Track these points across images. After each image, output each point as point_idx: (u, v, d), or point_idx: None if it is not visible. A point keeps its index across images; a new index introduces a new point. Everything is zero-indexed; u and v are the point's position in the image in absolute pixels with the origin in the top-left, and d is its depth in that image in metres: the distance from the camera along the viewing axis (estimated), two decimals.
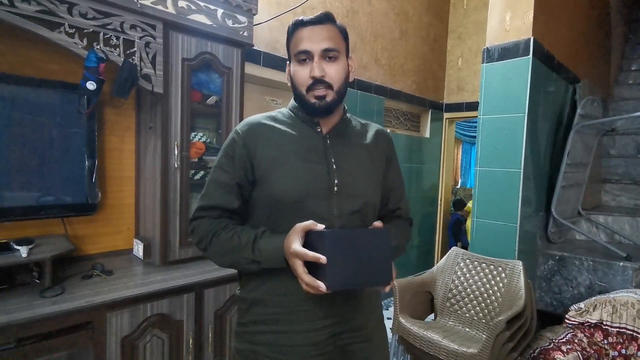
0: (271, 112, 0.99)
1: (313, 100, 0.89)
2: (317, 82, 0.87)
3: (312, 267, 0.78)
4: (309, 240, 0.81)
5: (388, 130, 3.44)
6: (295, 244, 0.78)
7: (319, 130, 0.94)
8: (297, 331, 0.88)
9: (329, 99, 0.88)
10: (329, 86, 0.88)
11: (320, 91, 0.88)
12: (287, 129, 0.93)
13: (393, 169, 1.05)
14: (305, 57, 0.88)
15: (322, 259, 0.74)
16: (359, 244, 0.79)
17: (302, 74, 0.88)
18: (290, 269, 0.81)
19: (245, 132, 0.92)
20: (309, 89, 0.88)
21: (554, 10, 2.21)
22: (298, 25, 0.90)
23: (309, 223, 0.80)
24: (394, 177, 1.05)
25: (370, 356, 0.95)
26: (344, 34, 0.93)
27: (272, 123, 0.94)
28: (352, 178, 0.92)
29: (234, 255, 0.87)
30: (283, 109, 0.99)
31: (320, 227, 0.80)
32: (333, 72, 0.88)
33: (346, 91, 0.94)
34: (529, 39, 1.96)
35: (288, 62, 0.95)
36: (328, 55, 0.88)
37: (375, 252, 0.80)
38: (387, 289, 0.83)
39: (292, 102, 0.98)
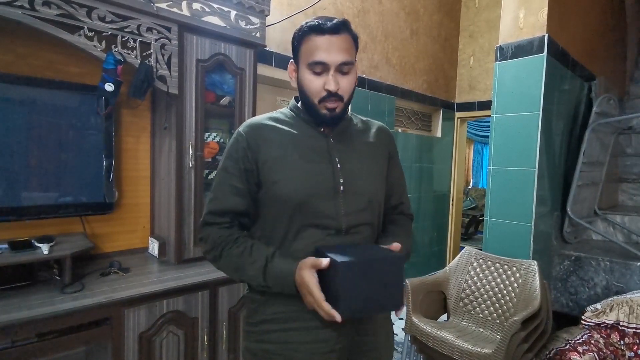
0: (272, 112, 0.98)
1: (324, 112, 0.89)
2: (331, 95, 0.87)
3: (324, 292, 0.78)
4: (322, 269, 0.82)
5: (399, 130, 3.46)
6: (311, 283, 0.79)
7: (321, 130, 0.94)
8: (307, 328, 0.88)
9: (338, 110, 0.89)
10: (340, 98, 0.88)
11: (332, 104, 0.88)
12: (290, 129, 0.93)
13: (395, 165, 1.05)
14: (321, 69, 0.86)
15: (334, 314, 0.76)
16: (374, 272, 0.77)
17: (316, 84, 0.87)
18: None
19: (248, 133, 0.92)
20: (322, 100, 0.88)
21: (569, 7, 2.18)
22: (316, 30, 0.86)
23: (316, 261, 0.79)
24: (396, 172, 1.06)
25: (377, 353, 0.95)
26: (356, 42, 0.92)
27: (274, 124, 0.93)
28: (356, 177, 0.92)
29: (243, 274, 0.88)
30: (284, 109, 0.99)
31: (325, 262, 0.78)
32: (346, 84, 0.88)
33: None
34: (543, 36, 1.94)
35: (292, 60, 0.93)
36: (343, 69, 0.87)
37: (389, 278, 0.79)
38: (399, 314, 0.83)
39: (292, 101, 0.98)
